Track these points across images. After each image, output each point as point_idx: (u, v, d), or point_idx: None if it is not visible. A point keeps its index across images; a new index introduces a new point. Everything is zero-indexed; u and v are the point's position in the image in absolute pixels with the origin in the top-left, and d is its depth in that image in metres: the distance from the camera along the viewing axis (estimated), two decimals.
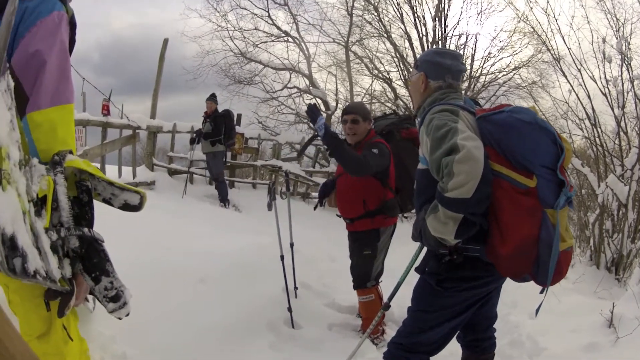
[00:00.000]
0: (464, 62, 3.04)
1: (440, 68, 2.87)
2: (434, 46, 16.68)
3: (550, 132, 2.43)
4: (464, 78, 16.97)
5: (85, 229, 1.71)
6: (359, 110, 4.76)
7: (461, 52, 17.56)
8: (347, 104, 19.67)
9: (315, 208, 5.42)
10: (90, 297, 2.79)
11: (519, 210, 2.39)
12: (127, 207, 1.89)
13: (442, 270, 2.74)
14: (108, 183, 1.85)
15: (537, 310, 2.74)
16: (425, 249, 2.95)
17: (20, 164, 1.47)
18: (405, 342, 2.88)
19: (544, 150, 2.40)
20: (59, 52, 1.76)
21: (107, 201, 1.88)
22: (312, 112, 4.35)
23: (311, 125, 19.26)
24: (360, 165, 4.33)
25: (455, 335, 3.10)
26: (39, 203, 1.58)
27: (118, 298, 1.82)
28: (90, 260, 1.75)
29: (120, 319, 1.90)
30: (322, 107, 20.36)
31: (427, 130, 2.56)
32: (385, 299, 3.70)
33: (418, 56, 3.34)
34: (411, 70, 3.23)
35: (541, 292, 2.58)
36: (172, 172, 13.04)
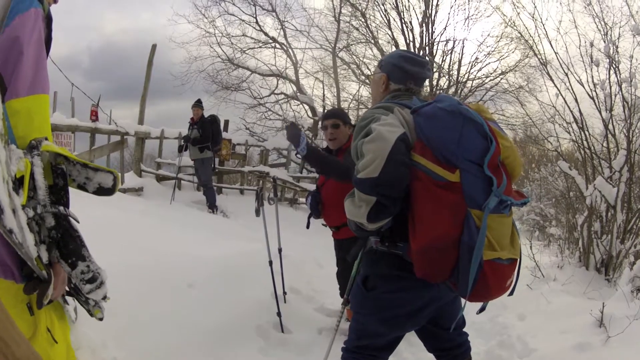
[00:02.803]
0: (430, 68, 2.95)
1: (404, 74, 2.83)
2: (421, 52, 16.70)
3: (478, 123, 2.29)
4: (450, 82, 17.10)
5: (61, 207, 1.78)
6: (339, 114, 4.77)
7: (448, 57, 17.69)
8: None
9: (307, 226, 5.24)
10: (71, 307, 2.79)
11: (435, 204, 2.25)
12: (101, 191, 1.96)
13: (365, 266, 2.72)
14: (82, 165, 1.92)
15: (480, 309, 2.56)
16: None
17: (1, 136, 1.56)
18: (348, 346, 2.83)
19: (468, 143, 2.26)
20: (36, 45, 1.84)
21: (81, 187, 1.95)
22: (294, 137, 4.15)
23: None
24: (347, 175, 4.30)
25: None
26: (17, 183, 1.63)
27: (94, 279, 1.90)
28: (66, 247, 1.82)
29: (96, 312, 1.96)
30: (309, 113, 20.39)
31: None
32: None
33: (383, 56, 3.27)
34: (374, 67, 3.17)
35: (465, 309, 2.52)
36: (160, 178, 13.01)
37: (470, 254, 2.18)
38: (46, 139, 1.80)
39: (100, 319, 3.08)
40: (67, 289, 2.27)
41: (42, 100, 1.86)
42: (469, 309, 3.05)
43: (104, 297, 2.00)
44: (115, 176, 1.97)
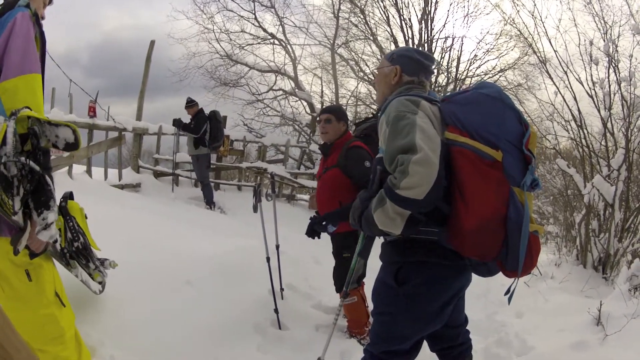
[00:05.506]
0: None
1: (418, 65, 2.87)
2: (420, 48, 16.68)
3: (515, 109, 2.42)
4: (448, 79, 17.11)
5: (22, 158, 2.04)
6: (333, 110, 4.88)
7: (447, 54, 17.69)
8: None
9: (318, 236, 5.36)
10: (92, 281, 3.13)
11: (485, 181, 2.34)
12: (68, 146, 2.18)
13: (395, 256, 2.67)
14: (48, 123, 2.15)
15: (509, 297, 2.55)
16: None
17: None
18: (374, 351, 2.78)
19: (509, 126, 2.38)
20: (21, 37, 2.22)
21: (55, 145, 2.18)
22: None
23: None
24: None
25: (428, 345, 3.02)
26: None
27: (47, 224, 2.12)
28: (39, 199, 2.10)
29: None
30: (307, 109, 20.38)
31: (387, 119, 2.53)
32: (368, 300, 3.66)
33: (391, 51, 3.26)
34: (379, 61, 3.18)
35: (508, 294, 2.50)
36: (158, 174, 12.95)
37: (519, 229, 2.29)
38: (28, 107, 2.11)
39: (100, 283, 3.17)
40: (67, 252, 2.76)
41: (30, 78, 2.21)
42: (468, 306, 3.06)
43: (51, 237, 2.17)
44: (74, 129, 2.17)
